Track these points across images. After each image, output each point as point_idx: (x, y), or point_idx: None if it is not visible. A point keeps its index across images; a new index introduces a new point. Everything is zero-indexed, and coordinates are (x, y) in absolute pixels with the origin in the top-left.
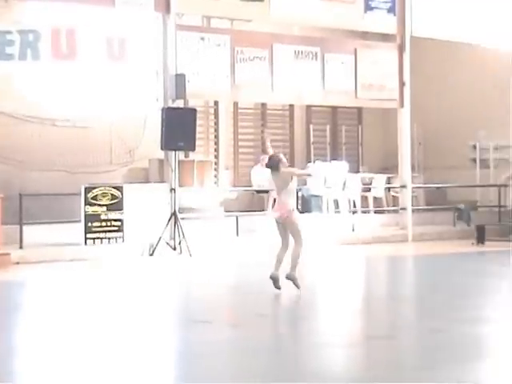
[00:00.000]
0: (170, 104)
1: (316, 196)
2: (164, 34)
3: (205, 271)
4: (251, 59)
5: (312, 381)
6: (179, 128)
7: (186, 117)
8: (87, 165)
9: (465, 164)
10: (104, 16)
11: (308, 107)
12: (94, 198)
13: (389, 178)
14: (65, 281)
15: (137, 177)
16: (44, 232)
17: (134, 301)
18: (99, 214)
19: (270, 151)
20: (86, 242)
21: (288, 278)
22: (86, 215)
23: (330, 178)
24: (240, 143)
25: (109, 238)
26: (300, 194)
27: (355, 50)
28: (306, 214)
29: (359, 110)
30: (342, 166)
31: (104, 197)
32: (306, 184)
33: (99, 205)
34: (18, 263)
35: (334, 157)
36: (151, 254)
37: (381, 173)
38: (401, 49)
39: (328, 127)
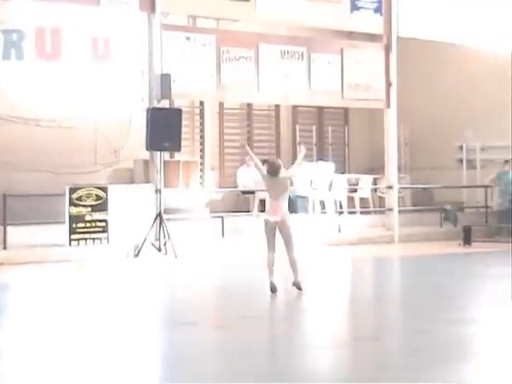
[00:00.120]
0: (156, 104)
1: (302, 197)
2: (149, 34)
3: (190, 272)
4: (237, 59)
5: (298, 381)
6: (164, 128)
7: (172, 117)
8: (72, 165)
9: (451, 165)
10: (89, 15)
11: (294, 107)
12: (79, 198)
13: (375, 179)
14: (48, 282)
15: (122, 177)
16: (28, 233)
17: (119, 302)
18: (84, 215)
19: (251, 164)
20: (70, 243)
21: (295, 285)
22: (70, 216)
23: (316, 178)
24: (226, 144)
25: (93, 239)
26: None
27: (341, 49)
28: (292, 215)
29: (345, 110)
30: (329, 166)
31: (88, 197)
32: (291, 184)
33: (84, 205)
34: (1, 264)
35: (321, 157)
36: (136, 255)
37: (367, 173)
38: (387, 49)
39: (314, 127)
